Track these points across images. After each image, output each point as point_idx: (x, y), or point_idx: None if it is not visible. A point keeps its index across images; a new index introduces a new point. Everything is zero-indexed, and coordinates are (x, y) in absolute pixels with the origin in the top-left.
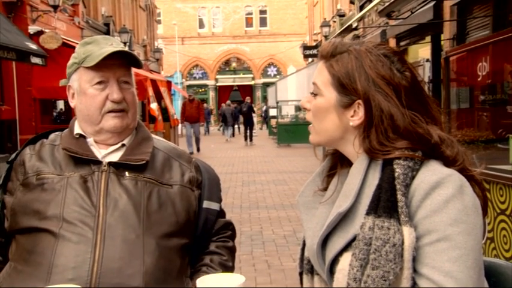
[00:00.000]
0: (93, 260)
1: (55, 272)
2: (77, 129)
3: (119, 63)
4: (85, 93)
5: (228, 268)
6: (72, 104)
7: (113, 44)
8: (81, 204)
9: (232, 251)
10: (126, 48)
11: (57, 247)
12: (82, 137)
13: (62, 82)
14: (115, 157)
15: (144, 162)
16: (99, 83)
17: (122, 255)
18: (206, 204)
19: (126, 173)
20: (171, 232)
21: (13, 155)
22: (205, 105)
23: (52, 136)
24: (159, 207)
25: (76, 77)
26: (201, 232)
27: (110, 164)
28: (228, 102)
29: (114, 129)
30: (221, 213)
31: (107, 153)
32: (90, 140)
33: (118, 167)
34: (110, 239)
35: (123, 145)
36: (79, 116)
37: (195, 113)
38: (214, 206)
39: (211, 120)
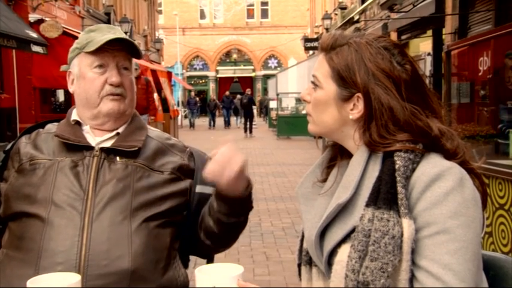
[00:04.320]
0: (81, 243)
1: (44, 256)
2: (74, 116)
3: (118, 49)
4: (84, 77)
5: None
6: (71, 89)
7: (115, 33)
8: (71, 187)
9: None
10: (127, 37)
11: (46, 232)
12: (78, 124)
13: (63, 67)
14: (109, 144)
15: (136, 148)
16: (98, 66)
17: (110, 237)
18: (199, 188)
19: (117, 159)
20: (159, 213)
21: (9, 145)
22: (192, 94)
23: (49, 126)
24: (147, 190)
25: (77, 62)
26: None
27: (102, 149)
28: (239, 96)
29: (111, 112)
30: None
31: (101, 140)
32: (86, 128)
33: (110, 153)
34: (97, 222)
35: (118, 133)
36: (77, 101)
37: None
38: (207, 190)
39: (197, 111)
